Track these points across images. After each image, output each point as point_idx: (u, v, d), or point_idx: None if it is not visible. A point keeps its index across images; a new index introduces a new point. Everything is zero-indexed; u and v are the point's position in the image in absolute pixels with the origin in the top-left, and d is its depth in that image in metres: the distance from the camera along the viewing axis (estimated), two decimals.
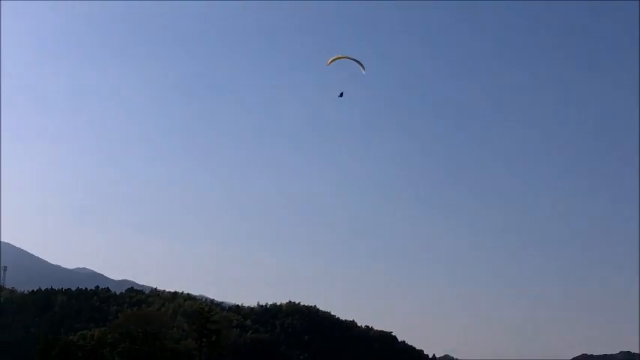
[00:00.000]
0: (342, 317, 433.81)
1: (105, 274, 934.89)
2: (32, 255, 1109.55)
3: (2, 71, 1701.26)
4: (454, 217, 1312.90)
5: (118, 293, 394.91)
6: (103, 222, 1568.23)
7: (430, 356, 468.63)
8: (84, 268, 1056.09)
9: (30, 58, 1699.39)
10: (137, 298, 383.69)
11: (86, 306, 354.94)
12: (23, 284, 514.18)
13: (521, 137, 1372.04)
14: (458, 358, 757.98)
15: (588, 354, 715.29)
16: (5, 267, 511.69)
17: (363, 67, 75.10)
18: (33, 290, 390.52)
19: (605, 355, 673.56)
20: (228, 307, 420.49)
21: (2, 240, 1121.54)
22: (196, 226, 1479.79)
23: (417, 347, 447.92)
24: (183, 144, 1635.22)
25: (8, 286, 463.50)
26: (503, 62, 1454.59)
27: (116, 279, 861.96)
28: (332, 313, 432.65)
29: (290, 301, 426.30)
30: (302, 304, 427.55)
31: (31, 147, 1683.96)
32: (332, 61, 74.75)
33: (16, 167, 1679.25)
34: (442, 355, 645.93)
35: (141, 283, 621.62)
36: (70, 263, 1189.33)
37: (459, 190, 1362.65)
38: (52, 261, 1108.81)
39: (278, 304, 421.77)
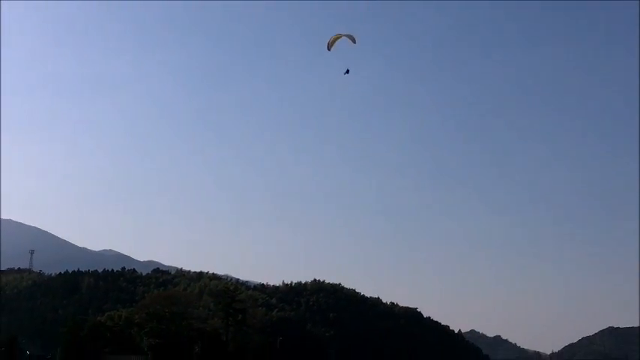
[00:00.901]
0: (367, 294, 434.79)
1: (131, 256, 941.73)
2: (58, 238, 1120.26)
3: (31, 60, 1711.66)
4: (476, 193, 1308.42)
5: (144, 274, 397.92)
6: (128, 204, 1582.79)
7: (456, 332, 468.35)
8: (110, 250, 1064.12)
9: (58, 47, 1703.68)
10: (163, 278, 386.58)
11: (113, 287, 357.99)
12: (50, 267, 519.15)
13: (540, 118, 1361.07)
14: (484, 333, 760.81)
15: (614, 327, 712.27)
16: (32, 250, 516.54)
17: (354, 40, 75.25)
18: (60, 273, 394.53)
19: (631, 328, 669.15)
20: (254, 286, 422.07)
21: (29, 224, 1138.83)
22: (220, 206, 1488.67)
23: (443, 323, 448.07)
24: (205, 127, 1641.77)
25: (35, 269, 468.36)
26: (520, 40, 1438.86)
27: (142, 260, 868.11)
28: (357, 291, 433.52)
29: (315, 279, 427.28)
30: (327, 282, 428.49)
31: (55, 132, 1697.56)
32: (332, 44, 74.54)
33: (42, 152, 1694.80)
34: (468, 330, 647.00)
35: (166, 264, 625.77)
36: (96, 245, 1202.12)
37: (483, 166, 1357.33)
38: (79, 243, 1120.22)
39: (303, 282, 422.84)
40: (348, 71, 71.77)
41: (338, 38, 76.76)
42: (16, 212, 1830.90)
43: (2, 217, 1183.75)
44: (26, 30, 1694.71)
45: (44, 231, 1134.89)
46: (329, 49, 74.51)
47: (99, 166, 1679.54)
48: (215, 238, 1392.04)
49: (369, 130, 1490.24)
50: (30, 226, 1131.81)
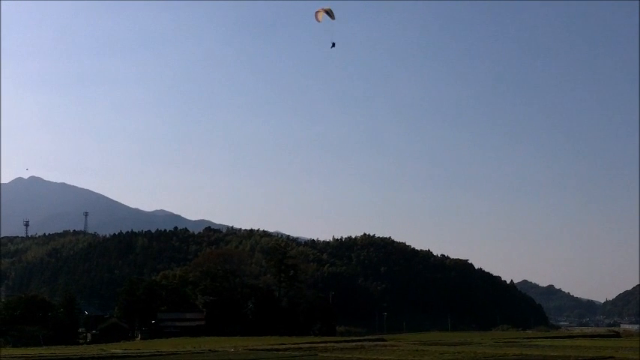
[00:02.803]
0: (418, 247, 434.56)
1: (182, 215, 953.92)
2: (111, 200, 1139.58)
3: (78, 19, 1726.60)
4: (526, 140, 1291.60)
5: (195, 233, 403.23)
6: (178, 164, 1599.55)
7: (508, 282, 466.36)
8: (162, 210, 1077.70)
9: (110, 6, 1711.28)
10: (215, 237, 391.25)
11: (166, 247, 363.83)
12: (104, 229, 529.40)
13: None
14: (536, 283, 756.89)
15: None
16: (86, 212, 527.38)
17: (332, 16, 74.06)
18: (114, 234, 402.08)
19: None
20: (304, 242, 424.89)
21: (83, 187, 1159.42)
22: (270, 163, 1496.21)
23: (494, 274, 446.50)
24: (255, 83, 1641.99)
25: (90, 230, 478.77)
26: None
27: (193, 219, 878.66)
28: (407, 244, 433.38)
29: (365, 234, 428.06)
30: (377, 236, 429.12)
31: (107, 91, 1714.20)
32: (331, 12, 72.96)
33: (93, 114, 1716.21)
34: (520, 280, 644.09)
35: (217, 223, 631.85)
36: (148, 206, 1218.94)
37: (532, 111, 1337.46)
38: (131, 205, 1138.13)
39: (353, 237, 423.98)
40: (334, 44, 71.19)
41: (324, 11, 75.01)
42: (69, 176, 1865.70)
43: (56, 180, 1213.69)
44: None
45: (97, 193, 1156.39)
46: (332, 17, 73.00)
47: (149, 126, 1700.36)
48: (265, 195, 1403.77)
49: (414, 81, 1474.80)
50: (83, 189, 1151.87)
